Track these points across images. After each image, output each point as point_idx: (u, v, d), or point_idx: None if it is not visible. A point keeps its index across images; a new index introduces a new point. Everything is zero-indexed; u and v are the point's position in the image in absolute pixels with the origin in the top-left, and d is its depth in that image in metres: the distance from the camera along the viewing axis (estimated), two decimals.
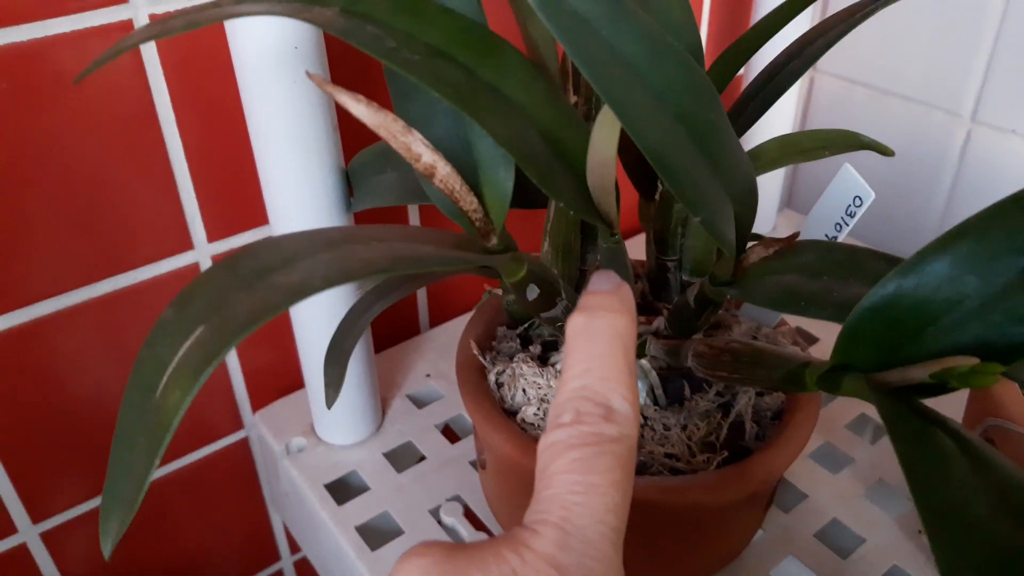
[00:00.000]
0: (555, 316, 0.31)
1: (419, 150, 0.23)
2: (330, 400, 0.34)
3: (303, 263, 0.21)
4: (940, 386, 0.23)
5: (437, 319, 0.57)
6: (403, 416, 0.48)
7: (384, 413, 0.48)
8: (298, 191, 0.38)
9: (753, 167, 0.27)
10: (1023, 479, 0.19)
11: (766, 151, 0.42)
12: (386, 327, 0.54)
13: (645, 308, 0.44)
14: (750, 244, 0.30)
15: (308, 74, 0.22)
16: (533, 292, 0.29)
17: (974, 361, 0.21)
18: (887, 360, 0.24)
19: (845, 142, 0.41)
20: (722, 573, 0.40)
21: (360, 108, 0.22)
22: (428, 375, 0.51)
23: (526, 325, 0.43)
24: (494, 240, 0.26)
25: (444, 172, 0.24)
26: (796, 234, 0.28)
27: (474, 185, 0.26)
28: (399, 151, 0.23)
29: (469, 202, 0.25)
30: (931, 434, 0.20)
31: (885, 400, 0.21)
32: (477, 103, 0.24)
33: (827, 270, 0.27)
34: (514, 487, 0.39)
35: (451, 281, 0.57)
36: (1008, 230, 0.22)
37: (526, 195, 0.31)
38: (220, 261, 0.21)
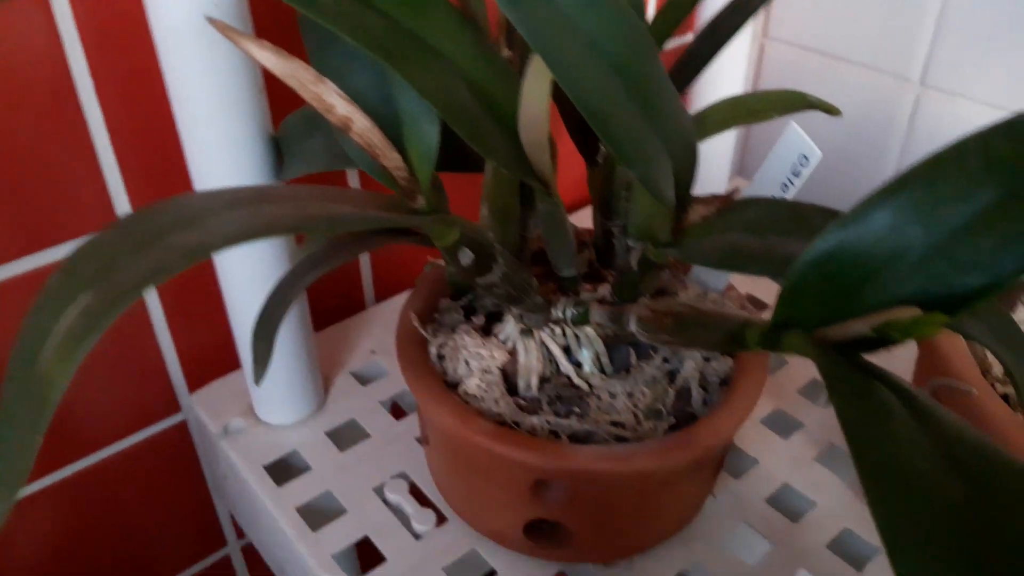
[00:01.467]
0: (492, 282, 0.30)
1: (332, 100, 0.22)
2: (258, 376, 0.33)
3: (205, 222, 0.19)
4: (884, 340, 0.22)
5: (383, 294, 0.55)
6: (346, 394, 0.47)
7: (327, 391, 0.47)
8: (223, 159, 0.36)
9: (692, 121, 0.26)
10: (970, 434, 0.18)
11: (714, 113, 0.41)
12: (329, 303, 0.52)
13: (592, 276, 0.43)
14: (692, 204, 0.29)
15: (209, 19, 0.20)
16: (467, 257, 0.27)
17: (915, 311, 0.20)
18: (830, 316, 0.23)
19: (793, 102, 0.40)
20: (674, 540, 0.39)
21: (265, 55, 0.20)
22: (373, 351, 0.50)
23: (470, 296, 0.41)
24: (421, 201, 0.25)
25: (361, 125, 0.22)
26: (736, 190, 0.27)
27: (397, 141, 0.24)
28: (311, 102, 0.22)
29: (391, 159, 0.23)
30: (873, 389, 0.19)
31: (824, 355, 0.20)
32: (398, 53, 0.22)
33: (770, 227, 0.26)
34: (457, 461, 0.38)
35: (397, 255, 0.55)
36: (952, 177, 0.21)
37: (462, 157, 0.30)
38: (113, 222, 0.19)
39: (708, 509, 0.41)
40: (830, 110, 0.39)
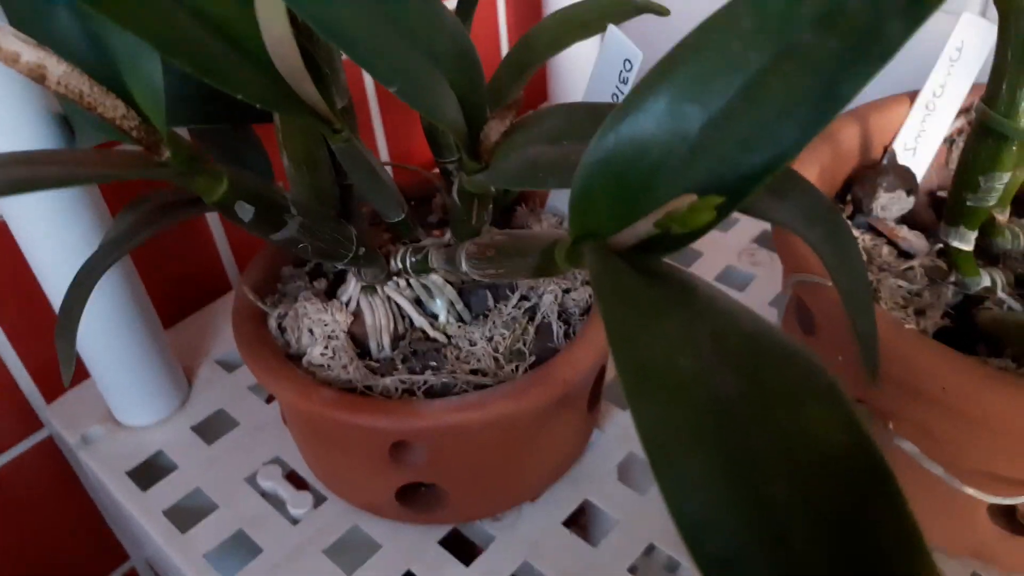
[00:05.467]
0: (290, 237, 0.27)
1: (14, 47, 0.19)
2: (66, 376, 0.29)
3: None
4: (679, 237, 0.20)
5: None
6: (212, 383, 0.44)
7: (191, 383, 0.44)
8: (5, 143, 0.32)
9: (462, 27, 0.23)
10: (747, 325, 0.16)
11: (545, 30, 0.38)
12: (190, 291, 0.49)
13: (447, 222, 0.40)
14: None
15: None
16: (247, 212, 0.25)
17: (692, 198, 0.18)
18: (627, 220, 0.21)
19: (621, 8, 0.38)
20: (562, 482, 0.38)
21: None
22: None
23: (315, 261, 0.39)
24: (166, 153, 0.22)
25: (59, 72, 0.19)
26: (520, 98, 0.25)
27: (120, 89, 0.21)
28: None
29: (112, 107, 0.20)
30: (647, 291, 0.17)
31: (597, 261, 0.18)
32: None
33: (567, 134, 0.24)
34: (313, 436, 0.35)
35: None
36: (724, 43, 0.19)
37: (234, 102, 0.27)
38: None
39: (595, 444, 0.39)
40: (659, 10, 0.36)
